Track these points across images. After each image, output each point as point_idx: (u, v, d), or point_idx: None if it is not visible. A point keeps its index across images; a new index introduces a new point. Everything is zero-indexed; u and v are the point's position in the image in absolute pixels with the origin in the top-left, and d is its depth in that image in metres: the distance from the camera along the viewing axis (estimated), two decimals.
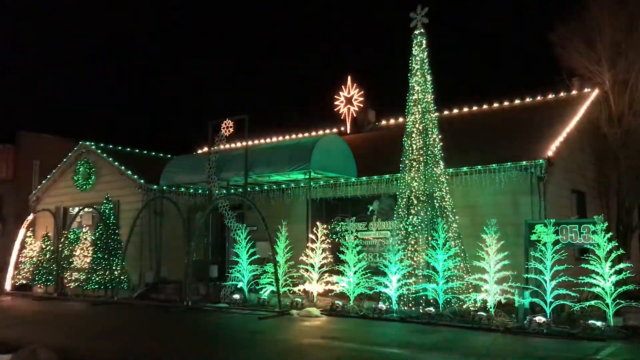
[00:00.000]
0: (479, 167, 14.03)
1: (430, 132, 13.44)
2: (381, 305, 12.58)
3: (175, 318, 13.33)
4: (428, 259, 12.57)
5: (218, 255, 18.64)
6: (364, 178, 16.09)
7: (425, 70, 13.70)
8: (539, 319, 10.32)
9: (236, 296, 15.14)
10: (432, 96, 13.64)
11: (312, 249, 14.55)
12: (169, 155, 21.93)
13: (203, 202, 18.76)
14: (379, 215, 16.08)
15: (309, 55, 54.06)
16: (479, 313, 11.22)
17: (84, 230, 19.34)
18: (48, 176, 21.76)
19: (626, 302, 10.33)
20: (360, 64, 43.74)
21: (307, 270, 14.49)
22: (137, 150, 21.91)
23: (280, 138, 22.56)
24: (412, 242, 13.04)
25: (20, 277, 20.10)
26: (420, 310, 12.13)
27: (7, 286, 19.86)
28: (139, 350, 9.39)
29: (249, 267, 15.35)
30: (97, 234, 18.22)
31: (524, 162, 13.37)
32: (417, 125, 13.51)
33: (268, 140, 22.38)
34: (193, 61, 58.51)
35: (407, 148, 13.62)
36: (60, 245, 18.95)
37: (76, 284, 18.45)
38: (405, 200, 13.48)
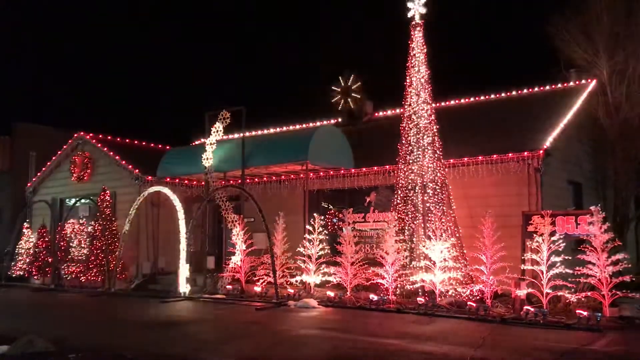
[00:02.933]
0: (473, 157, 14.00)
1: (427, 123, 13.40)
2: (378, 296, 12.60)
3: (171, 309, 13.32)
4: (425, 249, 12.58)
5: (215, 247, 18.63)
6: (361, 169, 16.06)
7: (423, 61, 13.65)
8: (535, 309, 10.35)
9: (233, 287, 15.16)
10: (430, 87, 13.61)
11: (310, 240, 14.55)
12: (165, 146, 21.86)
13: (200, 193, 18.73)
14: (376, 207, 16.06)
15: (306, 47, 53.89)
16: (475, 304, 11.25)
17: (80, 221, 19.28)
18: (45, 166, 21.68)
19: (622, 293, 10.36)
20: (358, 55, 43.63)
21: (304, 262, 14.50)
22: (132, 141, 21.82)
23: (278, 129, 22.49)
24: (409, 233, 13.03)
25: (17, 268, 20.08)
26: (417, 301, 12.15)
27: (5, 277, 19.84)
28: (134, 341, 9.40)
29: (246, 258, 15.35)
30: (93, 225, 18.17)
31: (521, 153, 13.34)
32: (414, 116, 13.48)
33: (265, 131, 22.31)
34: (190, 52, 58.28)
35: (404, 139, 13.59)
36: (57, 237, 18.91)
37: (73, 275, 18.46)
38: (402, 191, 13.48)
